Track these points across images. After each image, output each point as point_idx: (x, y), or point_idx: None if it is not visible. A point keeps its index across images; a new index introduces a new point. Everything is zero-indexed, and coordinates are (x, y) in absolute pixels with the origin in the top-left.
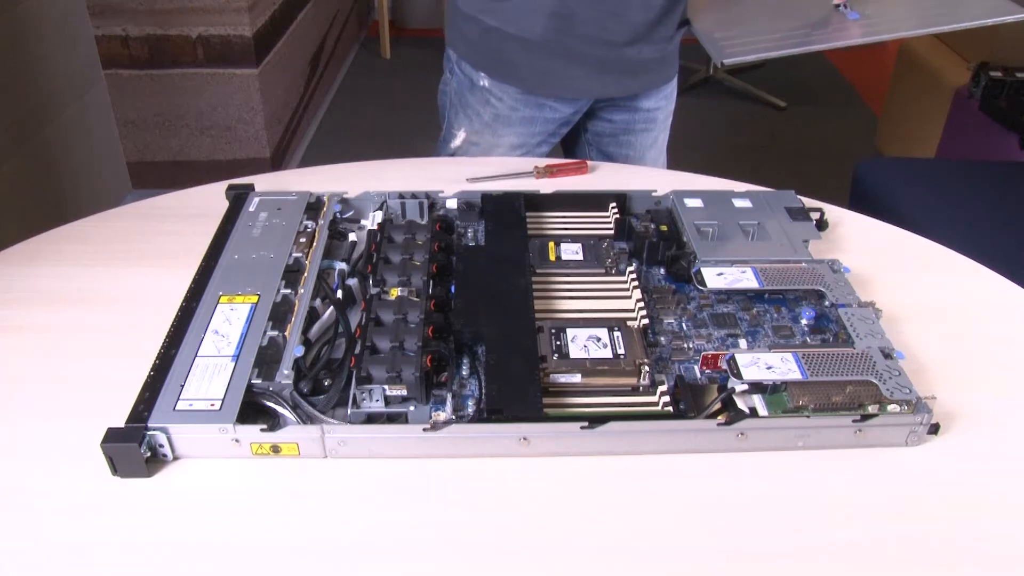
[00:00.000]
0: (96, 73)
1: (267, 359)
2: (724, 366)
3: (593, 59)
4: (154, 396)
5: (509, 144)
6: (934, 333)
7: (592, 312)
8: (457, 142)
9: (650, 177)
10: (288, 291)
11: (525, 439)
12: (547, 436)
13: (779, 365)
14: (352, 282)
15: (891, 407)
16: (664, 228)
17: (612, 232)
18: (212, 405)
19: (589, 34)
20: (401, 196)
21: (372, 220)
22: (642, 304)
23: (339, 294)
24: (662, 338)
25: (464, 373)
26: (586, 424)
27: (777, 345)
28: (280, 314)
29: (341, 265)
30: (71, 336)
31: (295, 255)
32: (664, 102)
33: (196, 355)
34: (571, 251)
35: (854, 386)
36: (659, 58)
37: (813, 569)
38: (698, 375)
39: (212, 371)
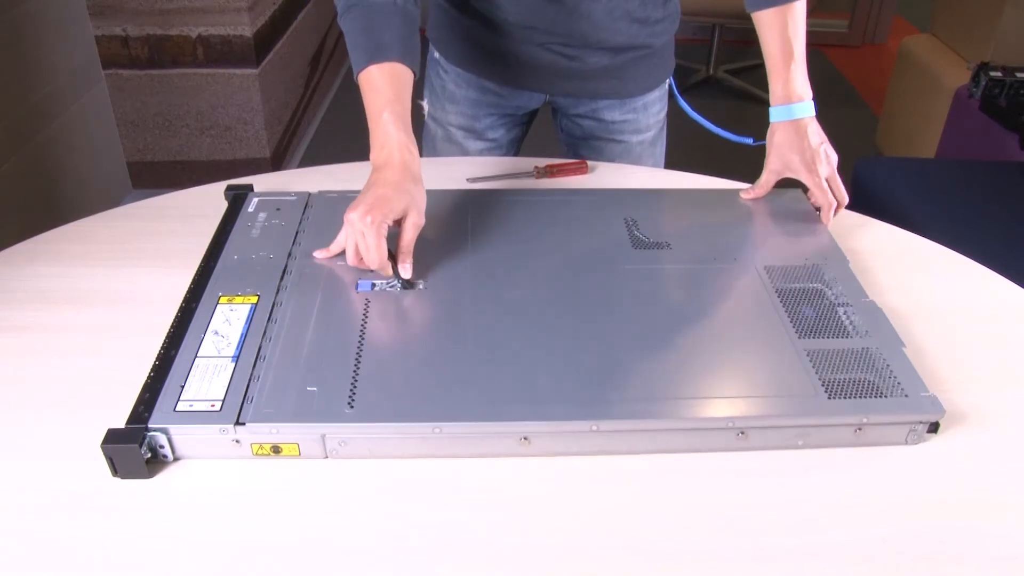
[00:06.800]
0: (96, 73)
1: None
2: None
3: (524, 52)
4: (154, 397)
5: (457, 124)
6: (933, 333)
7: None
8: (425, 113)
9: (650, 177)
10: None
11: (525, 439)
12: (547, 436)
13: None
14: None
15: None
16: None
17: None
18: (212, 406)
19: (521, 27)
20: None
21: None
22: None
23: None
24: None
25: None
26: (587, 424)
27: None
28: None
29: None
30: (71, 336)
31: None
32: (632, 115)
33: (196, 355)
34: None
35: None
36: (607, 70)
37: (813, 569)
38: None
39: (212, 371)
